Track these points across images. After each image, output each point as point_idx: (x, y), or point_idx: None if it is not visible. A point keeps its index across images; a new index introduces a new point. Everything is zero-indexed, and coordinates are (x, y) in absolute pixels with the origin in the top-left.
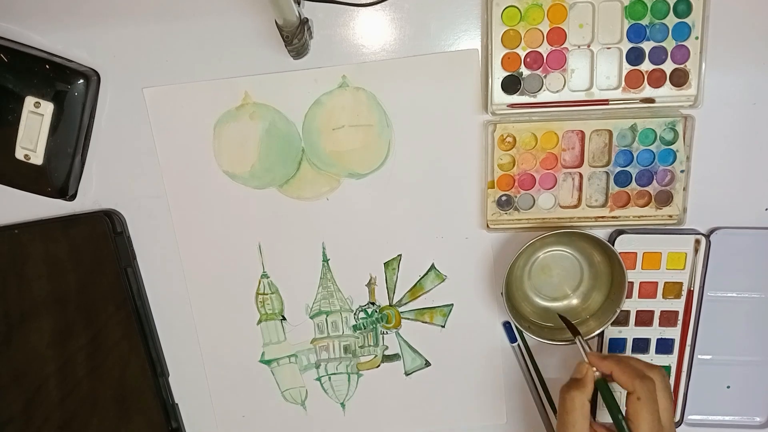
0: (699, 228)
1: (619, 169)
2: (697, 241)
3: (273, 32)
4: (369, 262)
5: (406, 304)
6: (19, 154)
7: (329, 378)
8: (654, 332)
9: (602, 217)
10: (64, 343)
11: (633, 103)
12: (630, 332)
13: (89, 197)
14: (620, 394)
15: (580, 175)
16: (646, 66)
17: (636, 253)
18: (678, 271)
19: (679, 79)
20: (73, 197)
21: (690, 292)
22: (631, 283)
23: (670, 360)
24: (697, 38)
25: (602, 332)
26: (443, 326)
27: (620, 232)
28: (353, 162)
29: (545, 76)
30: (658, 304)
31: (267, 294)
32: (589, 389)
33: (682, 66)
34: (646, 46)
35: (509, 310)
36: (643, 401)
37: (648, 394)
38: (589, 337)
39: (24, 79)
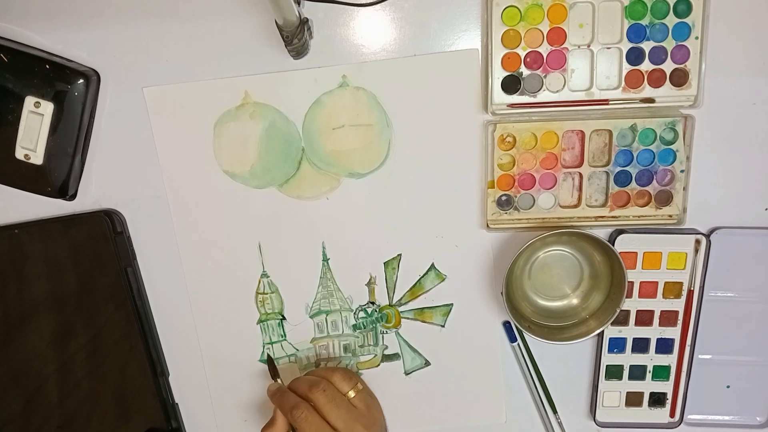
0: (699, 228)
1: (619, 168)
2: (698, 241)
3: (273, 32)
4: (369, 261)
5: (405, 303)
6: (19, 154)
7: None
8: (654, 332)
9: (602, 216)
10: (64, 343)
11: (633, 103)
12: (630, 332)
13: (89, 197)
14: None
15: (580, 175)
16: (646, 66)
17: (636, 252)
18: (678, 271)
19: (679, 79)
20: (73, 197)
21: (690, 292)
22: (631, 282)
23: (670, 360)
24: (697, 38)
25: (602, 332)
26: (443, 326)
27: (620, 232)
28: (353, 162)
29: (545, 76)
30: (658, 304)
31: (267, 293)
32: (279, 425)
33: (682, 66)
34: (646, 46)
35: (509, 310)
36: (301, 429)
37: (302, 422)
38: (589, 336)
39: (24, 79)
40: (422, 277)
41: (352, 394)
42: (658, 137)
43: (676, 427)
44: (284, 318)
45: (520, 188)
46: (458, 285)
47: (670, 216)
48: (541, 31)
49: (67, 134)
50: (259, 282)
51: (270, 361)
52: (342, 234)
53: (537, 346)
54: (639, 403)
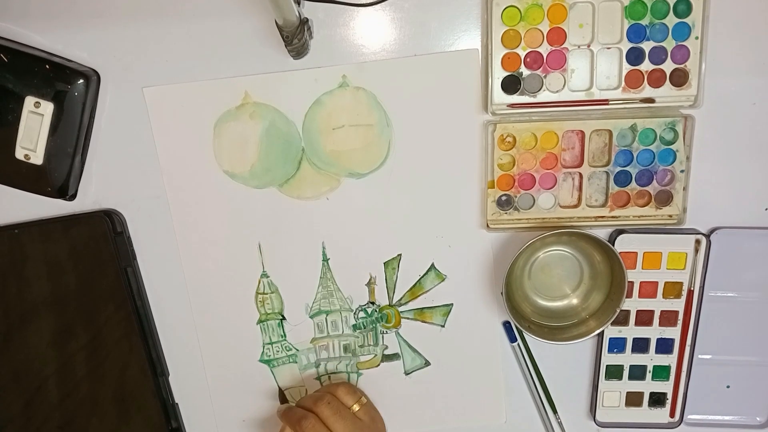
0: (699, 228)
1: (619, 169)
2: (698, 241)
3: (273, 32)
4: (369, 261)
5: (405, 303)
6: (19, 154)
7: (329, 377)
8: (654, 332)
9: (602, 217)
10: (64, 343)
11: (633, 103)
12: (630, 332)
13: (89, 197)
14: None
15: (580, 175)
16: (646, 66)
17: (636, 252)
18: (678, 271)
19: (679, 79)
20: (73, 197)
21: (690, 292)
22: (631, 282)
23: (670, 360)
24: (697, 38)
25: (602, 332)
26: (443, 326)
27: (620, 232)
28: (353, 162)
29: (545, 76)
30: (658, 304)
31: (267, 293)
32: None
33: (682, 66)
34: (646, 46)
35: (509, 310)
36: None
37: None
38: (589, 336)
39: (24, 79)
40: (422, 277)
41: (356, 407)
42: (658, 137)
43: (676, 427)
44: (284, 318)
45: (520, 188)
46: (458, 285)
47: (670, 216)
48: (541, 31)
49: (67, 134)
50: (259, 282)
51: (281, 395)
52: (342, 234)
53: (537, 346)
54: (639, 403)
